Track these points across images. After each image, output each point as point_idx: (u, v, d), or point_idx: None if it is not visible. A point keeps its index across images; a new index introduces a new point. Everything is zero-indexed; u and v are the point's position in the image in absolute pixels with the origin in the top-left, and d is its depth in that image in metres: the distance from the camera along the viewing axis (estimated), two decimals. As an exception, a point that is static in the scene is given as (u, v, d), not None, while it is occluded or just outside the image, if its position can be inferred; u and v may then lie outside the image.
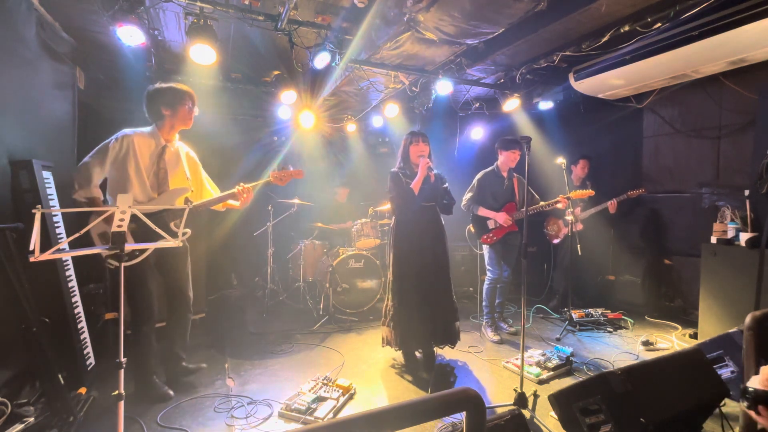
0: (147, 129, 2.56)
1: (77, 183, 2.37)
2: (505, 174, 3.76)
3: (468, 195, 3.79)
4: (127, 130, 2.49)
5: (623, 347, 3.46)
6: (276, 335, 3.77)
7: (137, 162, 2.45)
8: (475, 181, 3.82)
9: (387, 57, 3.46)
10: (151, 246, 2.27)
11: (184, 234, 2.55)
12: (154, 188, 2.52)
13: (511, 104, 4.63)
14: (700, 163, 4.23)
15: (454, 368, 3.08)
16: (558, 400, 1.62)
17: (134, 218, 2.31)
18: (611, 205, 4.21)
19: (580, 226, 4.21)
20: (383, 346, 3.07)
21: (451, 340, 2.99)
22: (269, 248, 4.72)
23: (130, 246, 1.78)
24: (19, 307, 2.11)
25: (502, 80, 4.53)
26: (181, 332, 2.76)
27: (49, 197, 2.53)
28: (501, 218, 3.62)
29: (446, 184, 3.10)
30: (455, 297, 3.06)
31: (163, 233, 1.91)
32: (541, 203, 3.63)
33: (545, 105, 4.76)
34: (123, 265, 2.36)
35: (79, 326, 2.64)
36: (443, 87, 4.08)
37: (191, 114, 2.64)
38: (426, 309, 2.88)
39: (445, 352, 3.28)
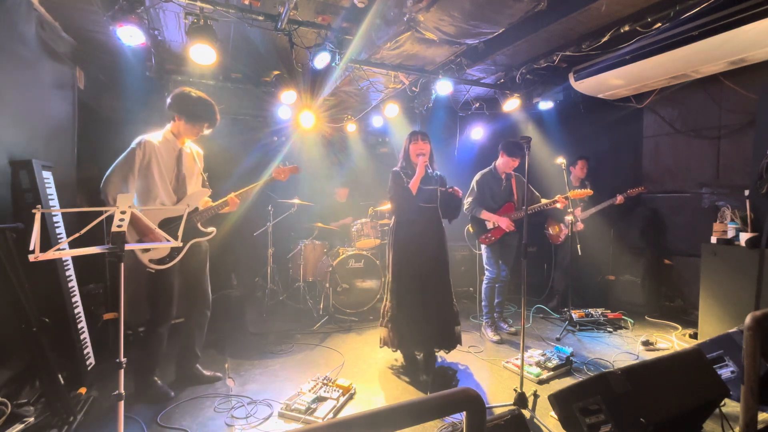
0: (160, 133, 2.53)
1: (111, 198, 2.28)
2: (503, 175, 3.75)
3: (469, 198, 3.78)
4: (144, 136, 2.45)
5: (623, 347, 3.46)
6: (276, 335, 3.77)
7: (160, 167, 2.45)
8: (473, 183, 3.81)
9: (387, 57, 3.46)
10: (147, 246, 2.30)
11: (210, 233, 2.71)
12: (176, 192, 2.55)
13: (511, 104, 4.63)
14: (700, 163, 4.23)
15: (454, 369, 3.07)
16: (558, 400, 1.62)
17: (166, 223, 2.48)
18: (619, 199, 4.20)
19: (580, 226, 4.21)
20: (381, 347, 3.06)
21: (449, 344, 2.95)
22: (269, 248, 4.72)
23: (129, 246, 1.77)
24: (19, 307, 2.11)
25: (502, 80, 4.54)
26: (200, 329, 2.80)
27: (49, 197, 2.53)
28: (504, 223, 3.59)
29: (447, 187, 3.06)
30: (455, 300, 3.02)
31: (168, 237, 1.93)
32: (543, 201, 3.62)
33: (545, 105, 4.76)
34: (162, 267, 2.42)
35: (79, 326, 2.64)
36: (443, 87, 4.08)
37: (199, 134, 2.64)
38: (424, 311, 2.85)
39: (445, 353, 3.29)
